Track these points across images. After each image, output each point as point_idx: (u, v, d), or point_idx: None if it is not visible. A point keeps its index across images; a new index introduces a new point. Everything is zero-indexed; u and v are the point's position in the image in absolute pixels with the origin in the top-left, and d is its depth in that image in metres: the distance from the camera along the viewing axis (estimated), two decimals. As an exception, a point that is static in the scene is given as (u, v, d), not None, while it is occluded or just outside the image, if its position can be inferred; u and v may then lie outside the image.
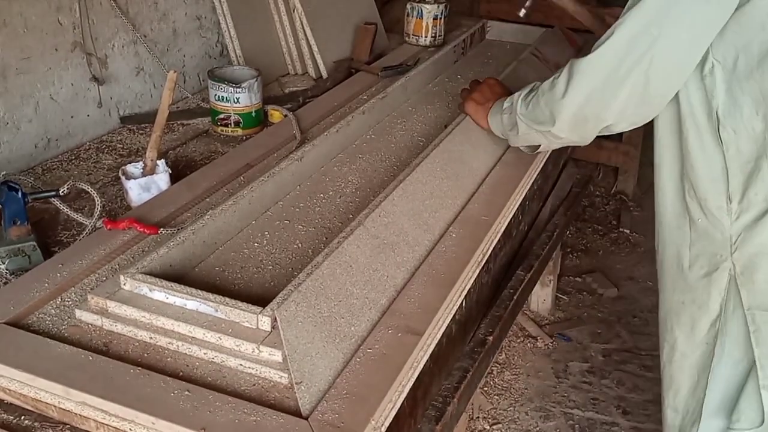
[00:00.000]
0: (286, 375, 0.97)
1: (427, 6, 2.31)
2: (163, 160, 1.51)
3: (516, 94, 1.44)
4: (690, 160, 1.17)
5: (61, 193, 1.33)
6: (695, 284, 1.22)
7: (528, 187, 1.60)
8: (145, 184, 1.46)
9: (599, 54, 1.16)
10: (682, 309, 1.25)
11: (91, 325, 1.08)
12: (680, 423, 1.28)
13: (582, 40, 2.41)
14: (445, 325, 1.16)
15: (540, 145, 1.45)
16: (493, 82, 1.65)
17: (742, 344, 1.16)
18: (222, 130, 1.82)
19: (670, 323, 1.29)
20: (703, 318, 1.21)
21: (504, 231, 1.45)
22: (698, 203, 1.19)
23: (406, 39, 2.39)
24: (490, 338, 1.42)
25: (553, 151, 1.78)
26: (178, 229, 1.28)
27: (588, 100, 1.20)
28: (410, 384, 1.02)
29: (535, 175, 1.65)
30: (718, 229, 1.17)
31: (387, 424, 0.96)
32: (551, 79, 1.28)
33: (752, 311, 1.14)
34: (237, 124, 1.81)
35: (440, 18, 2.35)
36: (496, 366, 2.45)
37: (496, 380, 2.40)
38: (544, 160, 1.72)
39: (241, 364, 1.00)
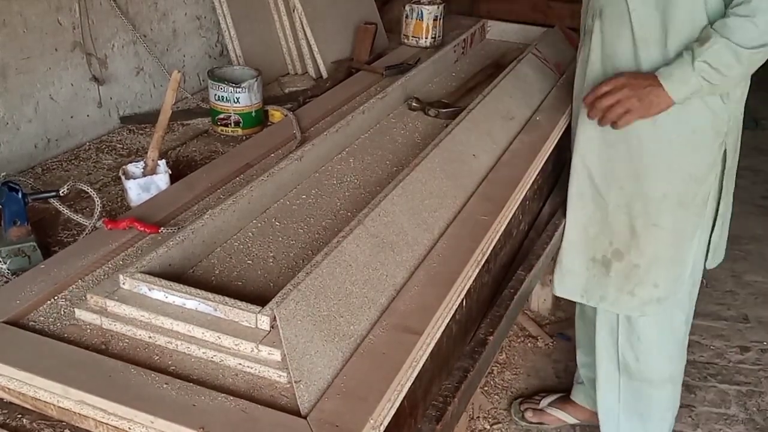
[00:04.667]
0: (285, 374, 0.97)
1: (428, 7, 2.32)
2: (163, 161, 1.51)
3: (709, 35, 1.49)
4: None
5: (61, 194, 1.33)
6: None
7: (528, 187, 1.60)
8: (144, 185, 1.46)
9: None
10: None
11: (90, 324, 1.08)
12: None
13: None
14: (445, 324, 1.16)
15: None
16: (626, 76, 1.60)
17: None
18: (222, 130, 1.83)
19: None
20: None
21: (504, 231, 1.45)
22: None
23: (405, 41, 2.39)
24: (491, 338, 1.42)
25: (553, 150, 1.79)
26: (178, 229, 1.28)
27: None
28: (409, 383, 1.02)
29: (535, 175, 1.65)
30: None
31: (386, 423, 0.96)
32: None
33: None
34: (237, 124, 1.81)
35: (439, 19, 2.35)
36: (496, 366, 2.45)
37: (497, 380, 2.41)
38: (544, 160, 1.72)
39: (240, 363, 1.00)
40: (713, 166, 1.67)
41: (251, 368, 0.99)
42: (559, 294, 1.90)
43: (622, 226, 1.74)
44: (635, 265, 1.75)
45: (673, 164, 1.66)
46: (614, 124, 1.61)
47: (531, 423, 2.23)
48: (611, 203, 1.74)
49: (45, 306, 1.12)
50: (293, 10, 2.17)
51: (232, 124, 1.81)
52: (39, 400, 0.97)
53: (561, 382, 2.40)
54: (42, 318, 1.09)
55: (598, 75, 1.67)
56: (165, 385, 0.95)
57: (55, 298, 1.14)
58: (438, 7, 2.33)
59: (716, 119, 1.62)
